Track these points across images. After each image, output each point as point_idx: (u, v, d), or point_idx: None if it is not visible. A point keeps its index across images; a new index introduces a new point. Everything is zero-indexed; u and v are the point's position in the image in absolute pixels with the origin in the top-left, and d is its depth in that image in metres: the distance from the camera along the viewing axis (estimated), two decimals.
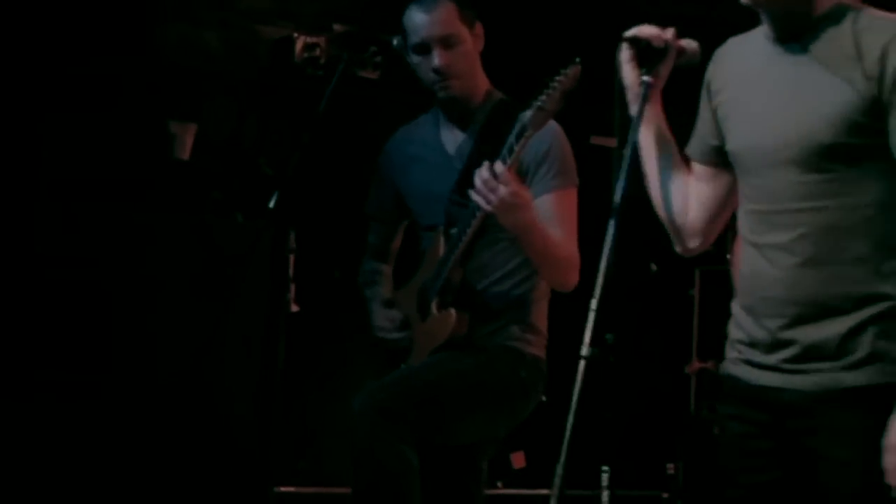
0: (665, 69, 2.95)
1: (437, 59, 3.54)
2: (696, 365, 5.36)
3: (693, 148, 3.05)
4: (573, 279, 3.73)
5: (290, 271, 4.25)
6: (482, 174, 3.45)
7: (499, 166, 3.41)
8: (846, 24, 2.82)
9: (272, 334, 4.40)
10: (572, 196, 3.74)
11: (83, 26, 4.73)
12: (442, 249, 3.82)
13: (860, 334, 2.76)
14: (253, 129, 4.85)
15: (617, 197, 2.77)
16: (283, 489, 4.78)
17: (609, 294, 2.82)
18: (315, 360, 4.94)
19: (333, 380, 4.92)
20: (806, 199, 2.82)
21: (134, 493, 4.62)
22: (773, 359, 2.84)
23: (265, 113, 4.77)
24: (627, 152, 2.90)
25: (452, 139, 3.84)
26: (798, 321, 2.80)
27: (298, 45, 4.37)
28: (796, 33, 2.86)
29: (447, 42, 3.56)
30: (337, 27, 4.33)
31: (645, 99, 2.92)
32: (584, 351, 2.71)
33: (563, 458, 2.61)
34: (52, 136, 4.79)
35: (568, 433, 2.59)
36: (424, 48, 3.55)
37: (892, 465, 2.64)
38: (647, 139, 3.01)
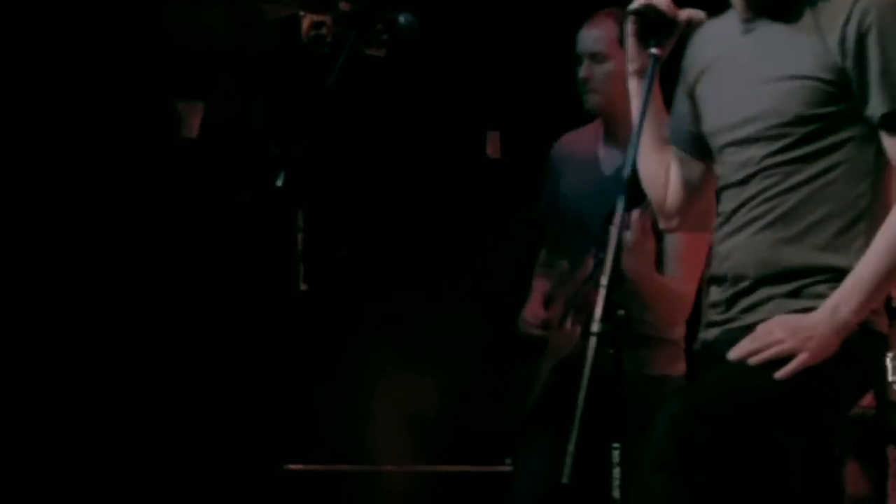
0: (672, 41, 3.00)
1: (581, 70, 3.91)
2: None
3: (670, 132, 3.15)
4: (681, 317, 4.04)
5: (299, 250, 4.31)
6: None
7: (634, 213, 3.68)
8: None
9: (280, 313, 4.54)
10: (702, 240, 3.85)
11: (85, 13, 4.84)
12: (588, 269, 4.04)
13: (799, 295, 2.87)
14: (260, 109, 4.95)
15: (626, 172, 2.82)
16: (292, 467, 4.81)
17: (620, 270, 2.88)
18: (323, 339, 5.00)
19: (342, 358, 5.01)
20: (774, 170, 2.92)
21: (145, 475, 4.70)
22: (725, 317, 2.99)
23: (272, 92, 4.89)
24: (637, 128, 2.97)
25: (609, 159, 4.06)
26: (754, 285, 2.91)
27: (305, 24, 4.43)
28: (762, 9, 2.93)
29: (594, 57, 3.92)
30: (343, 5, 4.40)
31: (654, 72, 2.95)
32: (595, 327, 2.78)
33: (574, 436, 2.64)
34: (57, 128, 4.87)
35: (579, 410, 2.63)
36: (578, 58, 3.94)
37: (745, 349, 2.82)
38: (649, 115, 3.05)
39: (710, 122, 3.03)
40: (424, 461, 5.02)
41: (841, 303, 2.81)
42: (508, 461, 4.84)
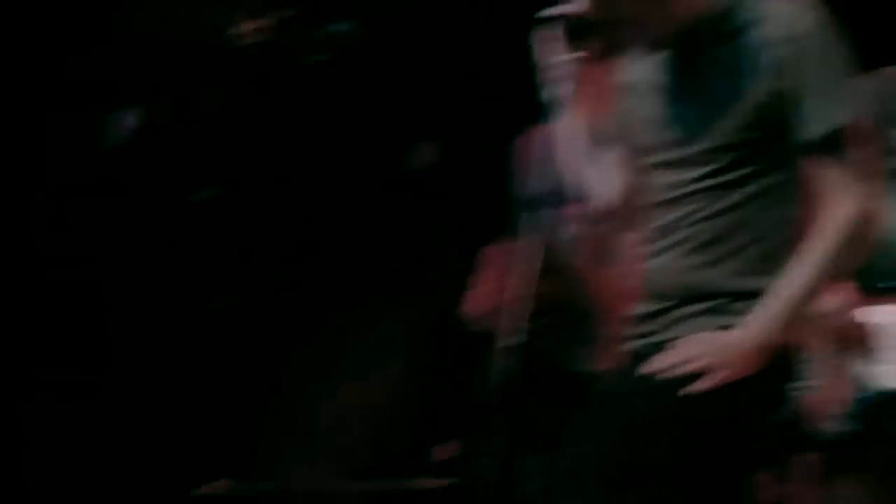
0: (599, 44, 3.04)
1: None
2: None
3: (610, 130, 3.12)
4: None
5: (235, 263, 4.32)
6: None
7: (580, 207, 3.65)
8: (738, 15, 2.84)
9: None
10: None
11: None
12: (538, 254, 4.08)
13: (720, 313, 2.85)
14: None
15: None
16: (214, 486, 4.89)
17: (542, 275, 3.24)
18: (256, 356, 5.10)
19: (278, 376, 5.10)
20: (701, 195, 2.83)
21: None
22: (648, 329, 2.95)
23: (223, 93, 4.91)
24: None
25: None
26: (677, 304, 2.86)
27: (249, 29, 4.50)
28: (693, 30, 2.90)
29: None
30: (285, 13, 4.47)
31: (579, 75, 3.01)
32: (516, 336, 3.14)
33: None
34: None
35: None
36: None
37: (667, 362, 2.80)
38: (576, 116, 3.10)
39: (639, 138, 2.98)
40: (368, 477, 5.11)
41: (758, 324, 2.80)
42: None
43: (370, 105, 5.39)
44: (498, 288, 4.40)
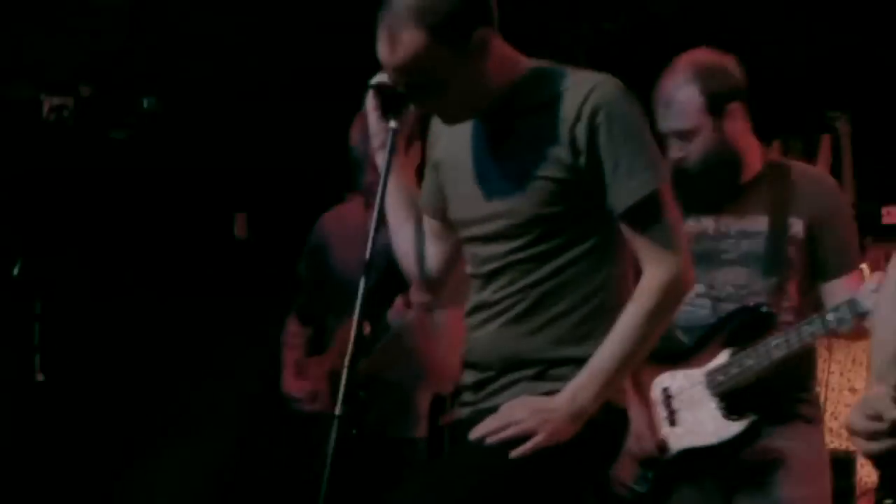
0: (410, 115, 3.02)
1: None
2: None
3: (424, 203, 3.14)
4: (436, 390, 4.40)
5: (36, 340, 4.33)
6: None
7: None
8: (543, 90, 2.91)
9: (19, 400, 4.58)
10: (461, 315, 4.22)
11: None
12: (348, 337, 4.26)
13: (544, 378, 2.93)
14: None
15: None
16: None
17: (360, 349, 2.98)
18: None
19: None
20: (516, 267, 2.93)
21: None
22: (474, 398, 3.04)
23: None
24: (380, 200, 2.99)
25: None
26: (500, 373, 2.96)
27: (46, 107, 4.46)
28: (501, 108, 2.96)
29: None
30: (84, 90, 4.47)
31: (394, 146, 2.98)
32: (338, 410, 2.83)
33: None
34: None
35: (323, 491, 2.76)
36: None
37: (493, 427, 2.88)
38: (392, 188, 3.07)
39: (453, 212, 3.02)
40: None
41: (578, 391, 2.85)
42: None
43: (173, 176, 5.37)
44: (316, 365, 4.48)
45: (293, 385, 4.34)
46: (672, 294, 2.90)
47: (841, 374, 5.54)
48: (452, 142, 3.05)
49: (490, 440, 2.83)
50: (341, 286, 4.23)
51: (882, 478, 2.66)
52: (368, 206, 4.40)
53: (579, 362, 2.85)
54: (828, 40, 5.65)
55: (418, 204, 3.17)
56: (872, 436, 2.50)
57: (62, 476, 5.01)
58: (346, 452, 3.01)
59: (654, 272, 2.89)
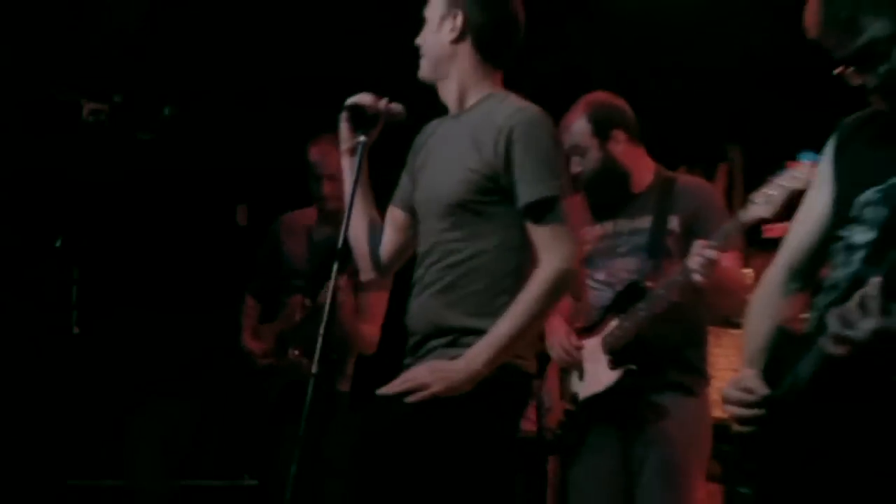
0: (376, 131, 3.42)
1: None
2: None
3: (397, 198, 3.53)
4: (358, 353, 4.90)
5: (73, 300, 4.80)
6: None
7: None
8: (487, 106, 3.31)
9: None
10: (383, 296, 4.81)
11: None
12: (296, 310, 4.78)
13: (456, 345, 3.25)
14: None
15: (340, 243, 3.32)
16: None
17: (334, 322, 3.35)
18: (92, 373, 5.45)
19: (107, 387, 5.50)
20: (444, 246, 3.34)
21: None
22: (408, 361, 3.39)
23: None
24: (349, 197, 3.37)
25: (320, 232, 4.87)
26: (426, 338, 3.34)
27: (85, 111, 4.89)
28: (460, 116, 3.37)
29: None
30: (117, 97, 4.91)
31: (362, 156, 3.38)
32: (314, 368, 3.21)
33: (296, 458, 3.14)
34: None
35: (301, 439, 3.17)
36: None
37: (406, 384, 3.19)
38: (360, 187, 3.43)
39: (416, 197, 3.42)
40: (176, 476, 5.44)
41: (474, 356, 3.15)
42: (247, 476, 5.49)
43: (186, 177, 5.96)
44: (268, 329, 4.94)
45: (251, 344, 4.95)
46: (561, 281, 3.23)
47: (726, 356, 5.66)
48: (429, 139, 3.48)
49: (388, 391, 3.21)
50: (289, 271, 4.91)
51: (736, 447, 3.06)
52: (321, 211, 4.98)
53: (483, 332, 3.20)
54: (723, 85, 6.06)
55: (392, 201, 3.55)
56: (742, 404, 2.87)
57: (88, 412, 5.41)
58: (320, 405, 3.41)
59: (547, 263, 3.23)
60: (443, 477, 3.25)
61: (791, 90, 5.83)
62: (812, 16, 2.83)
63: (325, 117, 4.35)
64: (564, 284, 3.26)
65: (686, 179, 4.38)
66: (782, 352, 2.98)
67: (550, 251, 3.25)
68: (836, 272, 2.91)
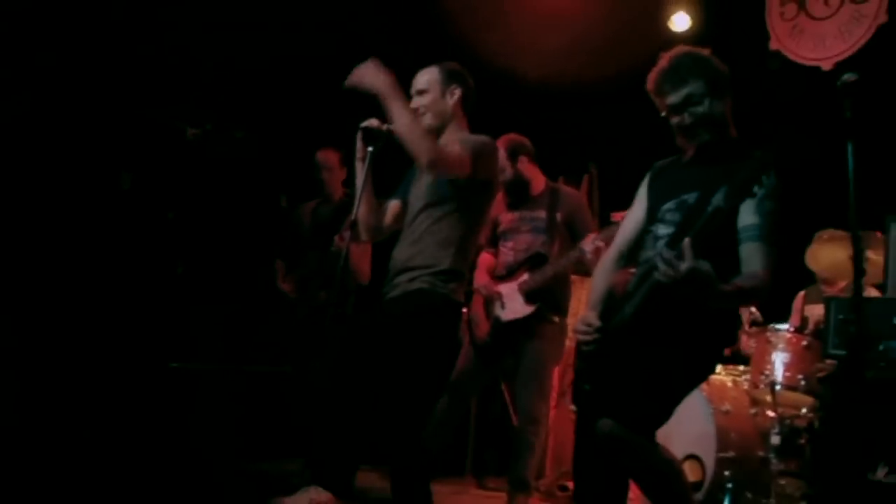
0: (381, 145, 4.05)
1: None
2: None
3: (398, 193, 4.32)
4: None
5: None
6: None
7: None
8: (457, 135, 4.09)
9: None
10: (367, 250, 5.72)
11: None
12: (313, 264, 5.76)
13: (415, 280, 3.96)
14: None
15: (354, 212, 4.08)
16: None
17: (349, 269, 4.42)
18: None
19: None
20: (416, 220, 4.15)
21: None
22: (386, 290, 4.08)
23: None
24: (359, 189, 4.05)
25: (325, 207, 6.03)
26: (395, 276, 4.09)
27: (189, 133, 6.27)
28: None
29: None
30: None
31: (370, 162, 4.08)
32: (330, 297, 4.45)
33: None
34: None
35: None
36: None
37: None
38: (365, 185, 4.12)
39: (410, 192, 4.23)
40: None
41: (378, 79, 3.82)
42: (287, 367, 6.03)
43: (249, 176, 7.15)
44: (290, 277, 5.73)
45: (283, 286, 6.19)
46: (418, 143, 3.86)
47: (574, 302, 6.20)
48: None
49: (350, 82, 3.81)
50: (301, 240, 6.16)
51: (580, 360, 3.60)
52: (322, 195, 6.15)
53: (432, 268, 3.98)
54: (587, 120, 7.15)
55: (395, 194, 4.30)
56: (585, 333, 3.55)
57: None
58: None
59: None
60: (404, 368, 3.89)
61: (637, 123, 6.25)
62: (652, 81, 3.70)
63: (333, 130, 5.44)
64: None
65: (565, 189, 5.68)
66: (612, 302, 3.67)
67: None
68: (646, 253, 3.66)
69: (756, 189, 3.22)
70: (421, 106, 4.23)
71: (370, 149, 4.07)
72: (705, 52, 3.73)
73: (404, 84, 4.12)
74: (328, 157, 6.21)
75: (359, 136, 4.11)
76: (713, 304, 3.34)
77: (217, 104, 6.52)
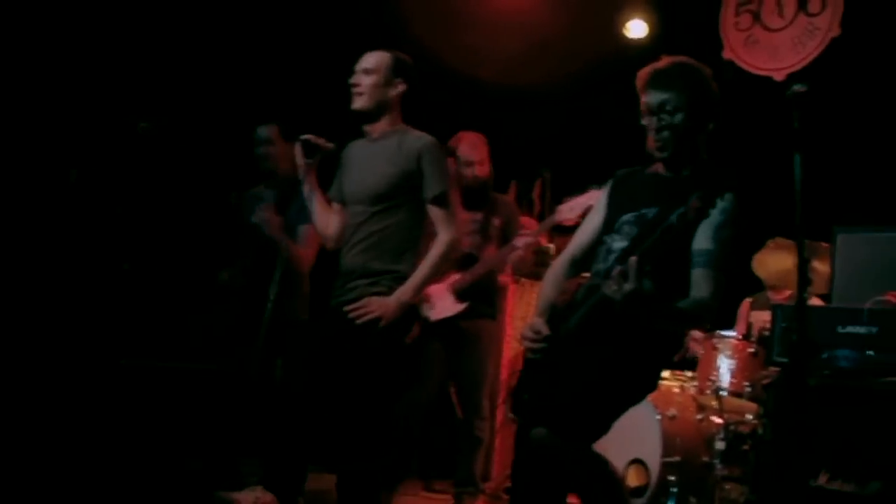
0: (319, 157, 4.28)
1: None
2: None
3: (333, 193, 4.36)
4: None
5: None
6: None
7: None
8: (397, 136, 4.14)
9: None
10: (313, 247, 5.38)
11: None
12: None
13: (376, 284, 4.02)
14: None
15: (290, 219, 4.53)
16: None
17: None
18: None
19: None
20: (363, 221, 4.16)
21: None
22: (339, 293, 4.13)
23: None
24: (310, 197, 4.19)
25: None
26: (352, 279, 4.14)
27: (139, 127, 6.03)
28: (376, 140, 4.21)
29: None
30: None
31: (311, 173, 4.26)
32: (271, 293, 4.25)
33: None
34: None
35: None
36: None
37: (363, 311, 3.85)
38: (314, 193, 4.26)
39: (345, 190, 4.27)
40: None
41: (402, 293, 3.91)
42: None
43: (196, 170, 7.00)
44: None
45: (226, 277, 5.80)
46: (452, 247, 4.03)
47: (524, 306, 6.57)
48: (348, 156, 4.33)
49: (355, 314, 3.95)
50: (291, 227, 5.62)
51: (525, 369, 3.60)
52: (268, 183, 5.76)
53: (393, 273, 4.04)
54: (538, 127, 7.23)
55: (328, 195, 4.34)
56: (532, 340, 3.52)
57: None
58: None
59: (443, 234, 4.02)
60: (369, 373, 3.99)
61: (590, 128, 7.01)
62: (643, 76, 3.64)
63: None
64: (454, 248, 4.10)
65: (502, 197, 5.88)
66: (560, 310, 3.67)
67: (445, 226, 4.09)
68: (598, 266, 3.67)
69: (711, 212, 3.24)
70: (363, 85, 4.28)
71: (310, 161, 4.25)
72: (707, 71, 3.71)
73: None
74: (268, 129, 5.85)
75: (298, 149, 4.28)
76: (654, 325, 3.38)
77: (163, 97, 6.52)
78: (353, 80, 4.31)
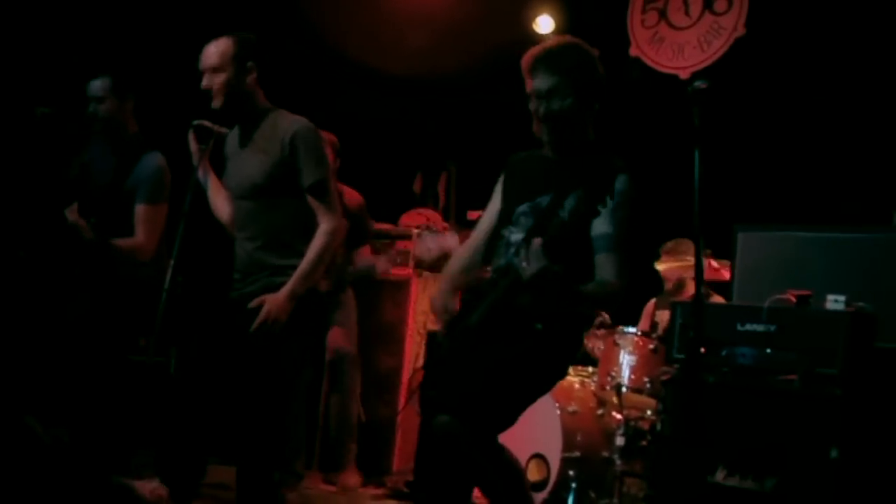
0: (213, 140, 4.24)
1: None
2: None
3: (224, 181, 4.29)
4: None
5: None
6: None
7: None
8: (268, 121, 4.08)
9: None
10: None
11: None
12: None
13: (280, 275, 3.99)
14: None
15: (186, 206, 4.10)
16: None
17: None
18: None
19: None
20: (250, 215, 4.14)
21: None
22: (240, 286, 4.17)
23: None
24: (207, 187, 4.19)
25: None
26: (249, 273, 4.15)
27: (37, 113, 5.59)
28: (247, 129, 4.11)
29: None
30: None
31: (205, 157, 4.22)
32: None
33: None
34: None
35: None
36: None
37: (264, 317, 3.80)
38: (208, 178, 4.28)
39: (228, 185, 4.25)
40: None
41: (290, 286, 3.92)
42: None
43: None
44: None
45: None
46: (335, 236, 3.98)
47: (427, 300, 6.53)
48: (228, 154, 4.26)
49: (256, 324, 3.92)
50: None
51: (425, 375, 3.68)
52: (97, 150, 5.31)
53: (283, 267, 4.04)
54: (447, 120, 7.31)
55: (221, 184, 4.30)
56: (439, 314, 3.70)
57: None
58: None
59: (324, 224, 3.99)
60: (278, 363, 4.02)
61: (496, 122, 6.92)
62: (529, 58, 3.67)
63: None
64: (337, 238, 4.08)
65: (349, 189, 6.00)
66: (464, 303, 3.78)
67: (325, 216, 4.05)
68: (498, 261, 3.73)
69: (608, 199, 3.29)
70: (215, 86, 4.19)
71: (203, 146, 4.19)
72: (594, 52, 3.75)
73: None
74: (101, 83, 5.12)
75: (191, 134, 4.21)
76: (565, 306, 3.44)
77: (69, 82, 5.92)
78: (203, 85, 4.23)
